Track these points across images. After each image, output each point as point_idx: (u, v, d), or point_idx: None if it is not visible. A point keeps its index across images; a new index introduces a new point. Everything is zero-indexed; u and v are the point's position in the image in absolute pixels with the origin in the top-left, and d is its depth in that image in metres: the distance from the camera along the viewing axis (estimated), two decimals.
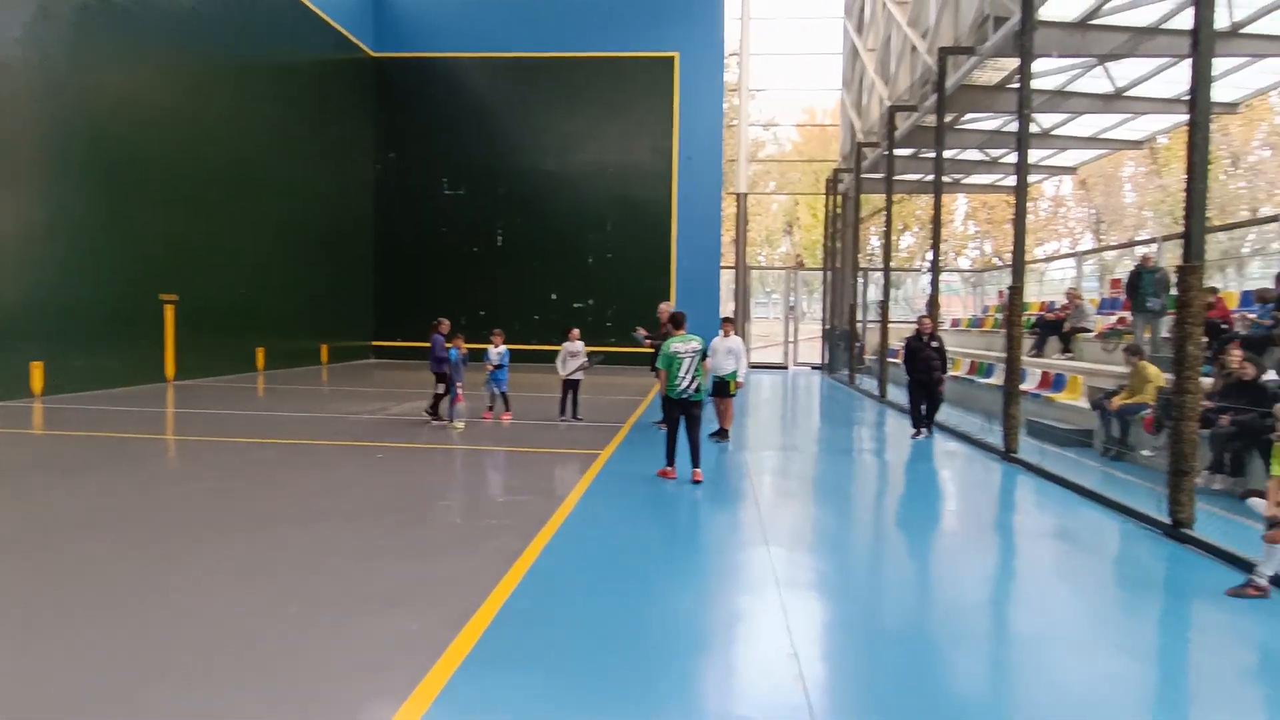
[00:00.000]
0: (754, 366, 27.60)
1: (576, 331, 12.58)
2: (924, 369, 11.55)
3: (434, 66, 27.33)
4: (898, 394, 16.84)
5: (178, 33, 17.56)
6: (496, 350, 12.20)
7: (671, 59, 26.40)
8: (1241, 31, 13.13)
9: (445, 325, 12.14)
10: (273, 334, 21.46)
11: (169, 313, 17.37)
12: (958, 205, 42.72)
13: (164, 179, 17.07)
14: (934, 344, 11.65)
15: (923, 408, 11.93)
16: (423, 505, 7.10)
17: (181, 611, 4.40)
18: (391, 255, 27.66)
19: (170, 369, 17.47)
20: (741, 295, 27.15)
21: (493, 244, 27.35)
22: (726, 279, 28.00)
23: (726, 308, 27.68)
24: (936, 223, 14.22)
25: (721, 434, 10.99)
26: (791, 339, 28.74)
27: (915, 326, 12.02)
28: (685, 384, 8.13)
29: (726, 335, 10.63)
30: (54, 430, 10.99)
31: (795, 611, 4.68)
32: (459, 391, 11.57)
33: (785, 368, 28.41)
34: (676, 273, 26.54)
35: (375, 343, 27.82)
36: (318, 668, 3.75)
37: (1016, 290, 10.17)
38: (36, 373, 14.01)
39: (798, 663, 3.95)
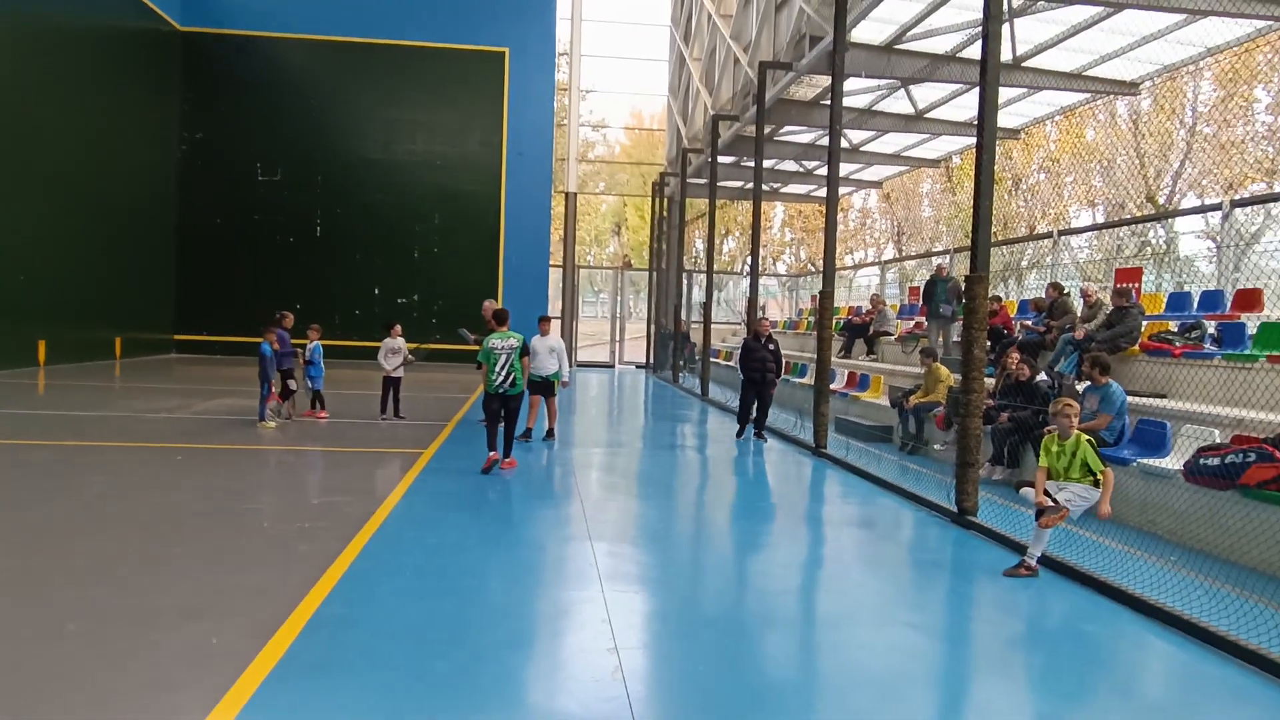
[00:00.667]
0: (581, 365, 27.93)
1: (398, 327, 12.20)
2: (758, 369, 11.70)
3: (250, 45, 25.54)
4: (719, 393, 17.56)
5: None
6: (310, 345, 11.68)
7: (502, 54, 26.09)
8: (1023, 65, 14.67)
9: (289, 319, 11.75)
10: (56, 324, 19.25)
11: None
12: (776, 213, 44.96)
13: None
14: (770, 346, 11.84)
15: (753, 409, 11.90)
16: (228, 509, 6.65)
17: None
18: (197, 242, 25.58)
19: None
20: (570, 294, 27.27)
21: (311, 234, 25.96)
22: (555, 277, 28.04)
23: (555, 306, 27.71)
24: (756, 229, 14.94)
25: (549, 433, 11.01)
26: (618, 338, 29.20)
27: (753, 328, 12.37)
28: (501, 379, 8.38)
29: (545, 334, 10.59)
30: None
31: (616, 604, 4.79)
32: (271, 389, 10.95)
33: (612, 366, 28.83)
34: (504, 269, 26.27)
35: (178, 336, 25.63)
36: (101, 691, 3.43)
37: (827, 295, 10.87)
38: None
39: (618, 655, 4.05)
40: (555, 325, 11.32)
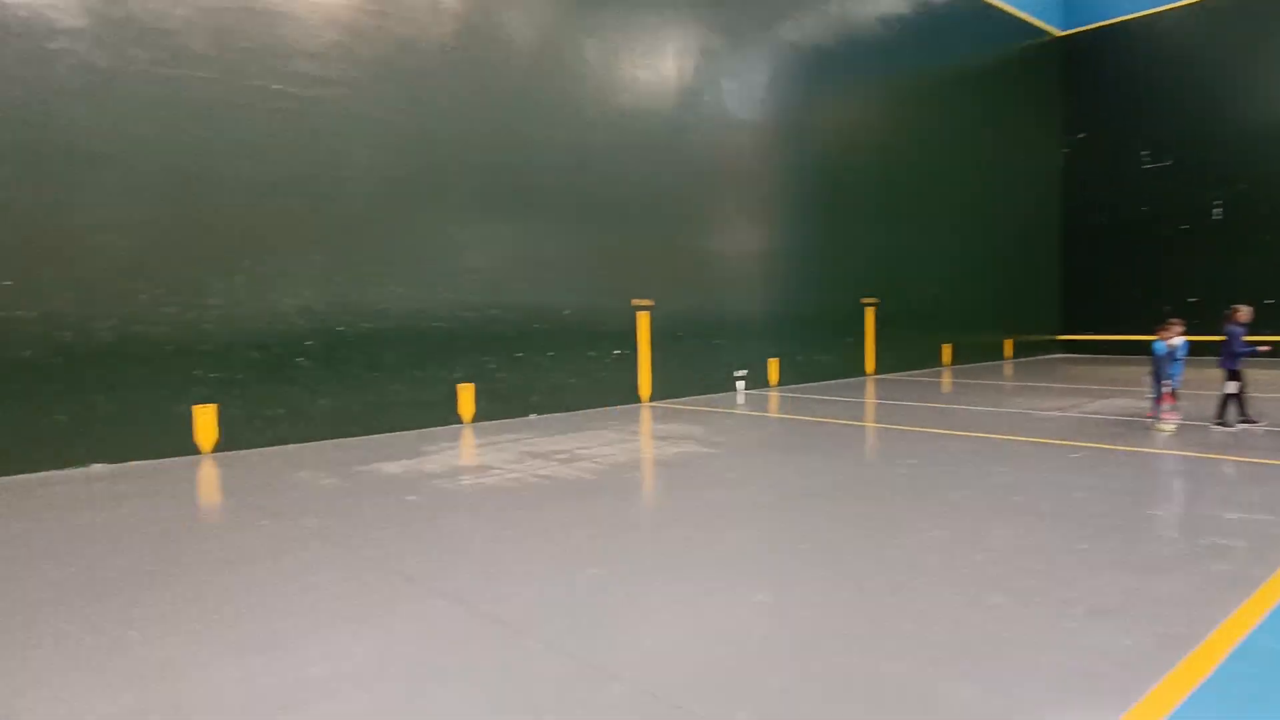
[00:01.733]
0: None
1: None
2: None
3: (1128, 31, 24.62)
4: None
5: (879, 63, 19.50)
6: (1171, 342, 10.60)
7: None
8: None
9: (1244, 313, 10.78)
10: (958, 330, 22.17)
11: (869, 315, 19.43)
12: None
13: (866, 197, 19.16)
14: None
15: None
16: (1128, 512, 6.61)
17: (897, 584, 4.99)
18: (1079, 242, 25.88)
19: (870, 364, 19.53)
20: None
21: (1206, 219, 23.37)
22: None
23: None
24: None
25: None
26: None
27: None
28: None
29: None
30: (785, 415, 13.34)
31: None
32: (1167, 390, 10.35)
33: None
34: None
35: (1061, 336, 26.38)
36: (1023, 661, 3.87)
37: None
38: (773, 366, 17.22)
39: None
40: None
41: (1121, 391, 14.55)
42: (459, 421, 12.43)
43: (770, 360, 17.26)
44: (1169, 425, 10.27)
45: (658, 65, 15.07)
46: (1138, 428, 10.66)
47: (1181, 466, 8.63)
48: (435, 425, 12.13)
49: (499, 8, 12.81)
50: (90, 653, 4.11)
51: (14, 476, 8.77)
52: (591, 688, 3.61)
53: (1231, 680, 3.62)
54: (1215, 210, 23.20)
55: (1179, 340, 10.65)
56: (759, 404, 14.67)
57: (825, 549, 5.71)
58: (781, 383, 17.44)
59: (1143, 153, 24.49)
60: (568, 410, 13.69)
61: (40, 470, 8.97)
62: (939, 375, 19.69)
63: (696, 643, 4.12)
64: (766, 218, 17.23)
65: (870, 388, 17.15)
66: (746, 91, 16.61)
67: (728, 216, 16.48)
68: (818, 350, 18.26)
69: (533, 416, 13.18)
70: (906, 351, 20.61)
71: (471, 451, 10.14)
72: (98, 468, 9.26)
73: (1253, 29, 22.39)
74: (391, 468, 9.02)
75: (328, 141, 11.04)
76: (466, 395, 12.50)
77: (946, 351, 21.92)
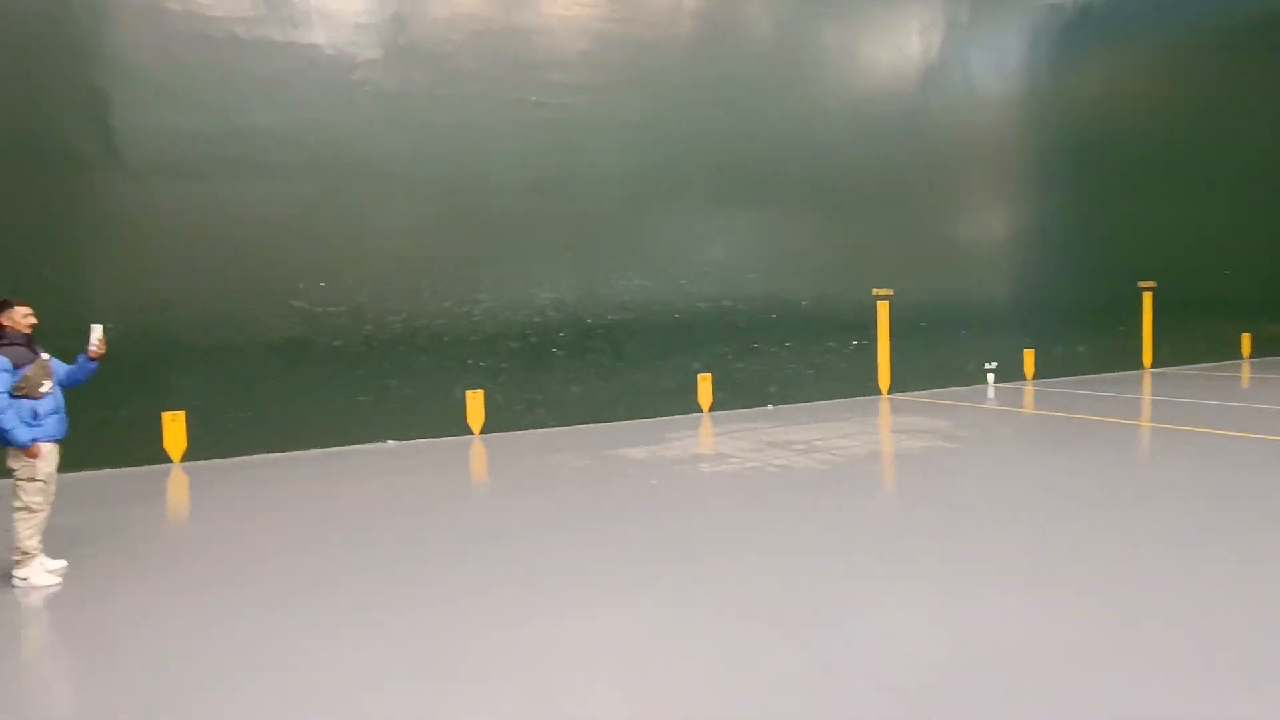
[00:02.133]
0: None
1: None
2: None
3: None
4: None
5: (1152, 16, 17.36)
6: None
7: None
8: None
9: None
10: (1262, 317, 19.25)
11: (1146, 300, 17.43)
12: None
13: (1138, 169, 17.15)
14: None
15: None
16: None
17: (1169, 607, 4.53)
18: None
19: (1146, 356, 17.53)
20: None
21: None
22: None
23: None
24: None
25: None
26: None
27: None
28: None
29: None
30: (1040, 410, 12.37)
31: None
32: None
33: None
34: None
35: None
36: None
37: None
38: (1028, 358, 16.01)
39: None
40: None
41: None
42: (698, 410, 12.80)
43: (1025, 352, 16.03)
44: None
45: (900, 44, 14.49)
46: None
47: None
48: (676, 413, 12.58)
49: (738, 3, 12.97)
50: (375, 611, 4.80)
51: (328, 449, 10.28)
52: (827, 681, 3.62)
53: None
54: None
55: None
56: (1011, 398, 13.72)
57: (1087, 557, 5.30)
58: (1038, 376, 16.14)
59: None
60: (805, 401, 13.62)
61: (346, 444, 10.44)
62: (1236, 369, 17.24)
63: (939, 646, 3.99)
64: (1019, 197, 16.00)
65: (1146, 382, 15.40)
66: (997, 62, 15.51)
67: (975, 198, 15.51)
68: (1080, 340, 16.67)
69: (770, 407, 13.26)
70: (1193, 342, 18.22)
71: (710, 440, 10.44)
72: (391, 443, 10.62)
73: None
74: (637, 452, 9.52)
75: (578, 145, 11.80)
76: (705, 385, 12.84)
77: (1245, 342, 19.13)
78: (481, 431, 11.24)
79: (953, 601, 4.53)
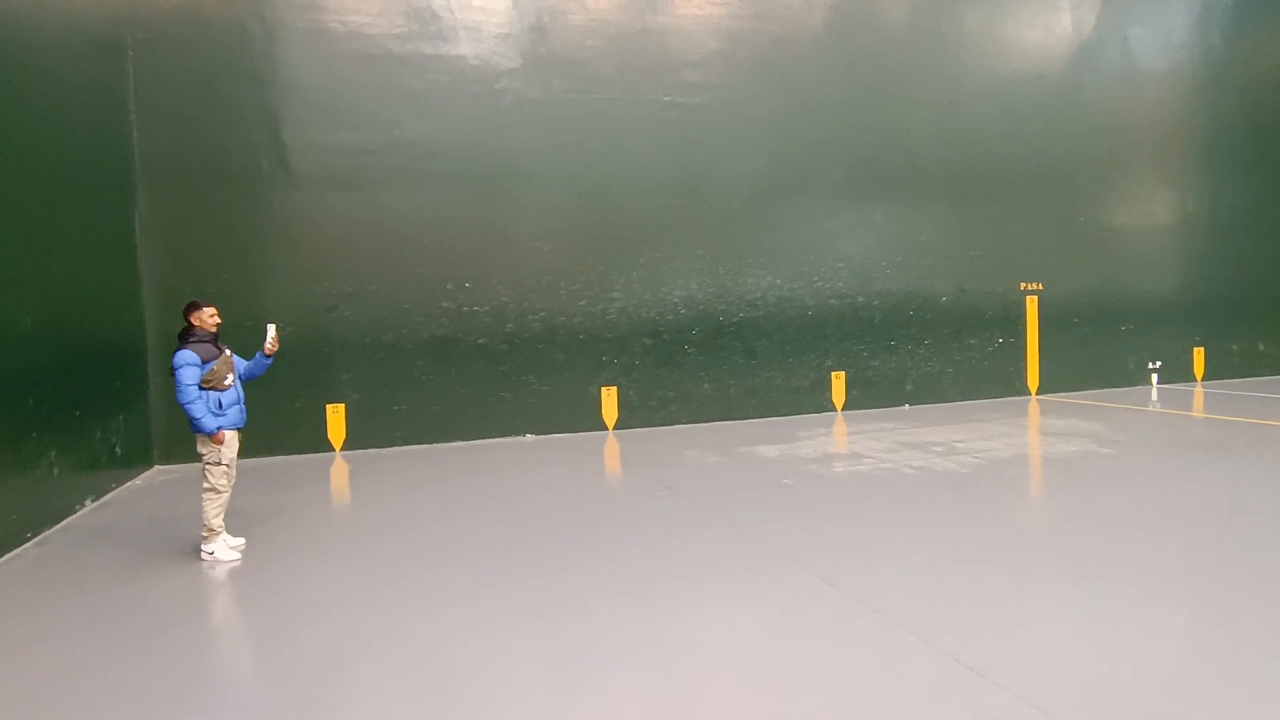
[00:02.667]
0: None
1: None
2: None
3: None
4: None
5: None
6: None
7: None
8: None
9: None
10: None
11: None
12: None
13: None
14: None
15: None
16: None
17: None
18: None
19: None
20: None
21: None
22: None
23: None
24: None
25: None
26: None
27: None
28: None
29: None
30: (1211, 414, 11.43)
31: None
32: None
33: None
34: None
35: None
36: None
37: None
38: (1198, 358, 14.80)
39: None
40: None
41: None
42: (832, 409, 12.61)
43: (1194, 350, 14.82)
44: None
45: (1050, 22, 13.71)
46: None
47: None
48: (809, 412, 12.45)
49: None
50: (509, 591, 5.06)
51: (471, 441, 10.84)
52: (967, 690, 3.53)
53: None
54: None
55: None
56: (1178, 401, 12.73)
57: (1255, 576, 4.91)
58: (1209, 377, 14.89)
59: None
60: (945, 401, 13.15)
61: (489, 437, 10.96)
62: None
63: (1087, 659, 3.82)
64: (1188, 182, 14.78)
65: None
66: (1160, 37, 14.39)
67: (1136, 185, 14.46)
68: (1260, 338, 15.23)
69: (907, 406, 12.89)
70: None
71: (844, 439, 10.28)
72: (530, 437, 11.06)
73: None
74: (769, 450, 9.51)
75: (708, 143, 11.87)
76: (839, 383, 12.63)
77: None
78: (615, 427, 11.52)
79: (1103, 616, 4.31)
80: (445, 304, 10.80)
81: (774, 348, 12.28)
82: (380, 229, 10.54)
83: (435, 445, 10.65)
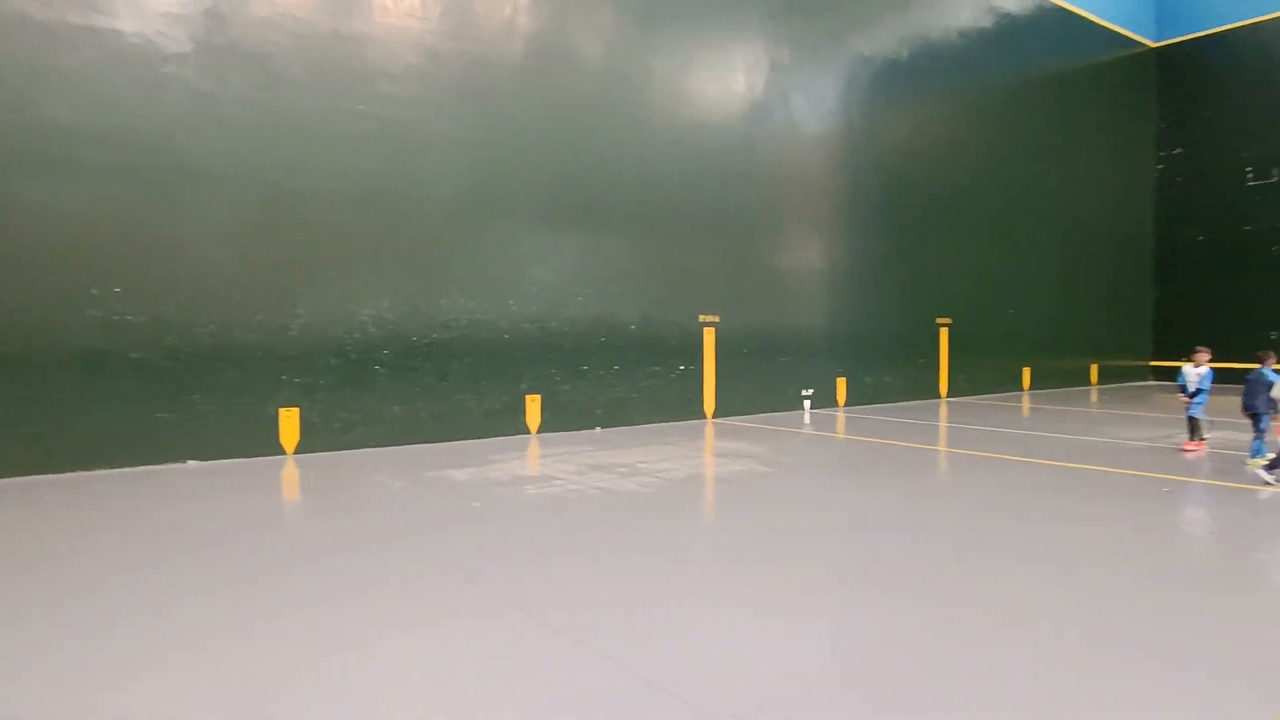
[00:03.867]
0: None
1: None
2: None
3: (1227, 41, 23.59)
4: None
5: (957, 76, 19.21)
6: (1197, 371, 10.87)
7: None
8: None
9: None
10: (1040, 353, 21.53)
11: (943, 335, 19.07)
12: None
13: (942, 213, 18.85)
14: None
15: None
16: (1235, 557, 6.39)
17: (954, 617, 4.98)
18: (1176, 263, 24.83)
19: (943, 387, 19.14)
20: None
21: None
22: None
23: None
24: None
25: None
26: None
27: None
28: None
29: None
30: (851, 436, 13.23)
31: None
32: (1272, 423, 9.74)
33: None
34: None
35: (1154, 362, 25.30)
36: (1081, 705, 3.85)
37: None
38: (841, 386, 17.06)
39: None
40: None
41: (1222, 424, 13.89)
42: (526, 432, 12.76)
43: (838, 379, 17.11)
44: (1257, 460, 9.70)
45: (726, 80, 15.23)
46: (1233, 463, 10.22)
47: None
48: (504, 434, 12.48)
49: (569, 26, 13.20)
50: (166, 640, 4.47)
51: (121, 469, 9.44)
52: (645, 701, 3.68)
53: None
54: None
55: (1201, 369, 11.24)
56: (825, 424, 14.58)
57: (887, 575, 5.72)
58: (849, 403, 17.27)
59: (1246, 169, 23.37)
60: (632, 424, 13.90)
61: (145, 464, 9.63)
62: (1018, 400, 19.16)
63: (752, 662, 4.14)
64: (836, 234, 17.14)
65: (943, 411, 16.82)
66: (816, 104, 16.62)
67: (796, 232, 16.48)
68: (887, 371, 17.99)
69: (598, 430, 13.43)
70: (982, 375, 20.12)
71: (536, 461, 10.43)
72: (193, 464, 9.89)
73: None
74: (459, 474, 9.36)
75: (405, 159, 11.56)
76: (533, 406, 12.83)
77: (1026, 375, 21.31)
78: (296, 451, 10.69)
79: (767, 620, 4.75)
80: (92, 312, 9.36)
81: (467, 370, 12.18)
82: (4, 221, 8.89)
83: (77, 474, 9.13)
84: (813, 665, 4.12)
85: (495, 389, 12.45)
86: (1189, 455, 10.83)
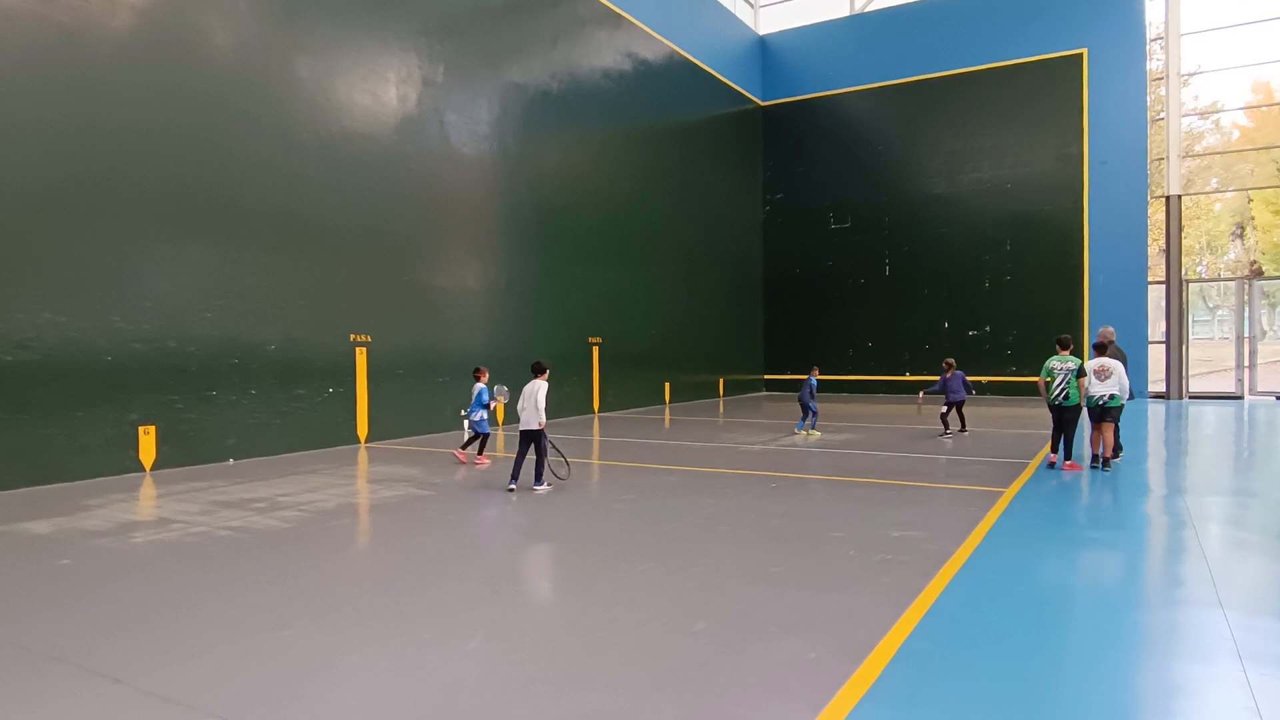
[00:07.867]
0: (1195, 396, 23.64)
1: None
2: None
3: (818, 106, 27.98)
4: None
5: (603, 112, 20.34)
6: (477, 387, 11.86)
7: (1080, 56, 23.88)
8: None
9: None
10: (678, 369, 23.49)
11: (595, 353, 19.95)
12: None
13: (591, 239, 19.76)
14: None
15: None
16: (814, 535, 7.24)
17: (609, 618, 5.03)
18: (778, 292, 28.71)
19: (595, 402, 20.00)
20: (1176, 313, 23.35)
21: (879, 274, 26.98)
22: (1157, 295, 24.30)
23: (1158, 327, 24.06)
24: None
25: (1102, 462, 10.49)
26: (1247, 363, 23.90)
27: None
28: (1057, 394, 10.58)
29: (1098, 355, 10.62)
30: (511, 453, 13.17)
31: (1263, 690, 3.92)
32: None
33: (1239, 397, 23.69)
34: (1090, 291, 23.70)
35: (767, 375, 28.94)
36: (723, 682, 4.03)
37: None
38: (500, 409, 16.99)
39: None
40: (1113, 350, 10.91)
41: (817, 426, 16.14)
42: (139, 469, 10.87)
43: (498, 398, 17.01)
44: (801, 433, 11.54)
45: (378, 91, 14.53)
46: (828, 457, 11.83)
47: (863, 492, 9.68)
48: (105, 474, 10.50)
49: (191, 6, 11.65)
50: None
51: None
52: None
53: (892, 681, 4.01)
54: (886, 266, 26.89)
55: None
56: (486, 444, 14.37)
57: (540, 590, 5.62)
58: (506, 422, 17.29)
59: (829, 214, 27.80)
60: (273, 454, 12.52)
61: None
62: (660, 412, 20.66)
63: (404, 698, 3.81)
64: (491, 254, 17.15)
65: (596, 425, 17.54)
66: (470, 126, 16.53)
67: (453, 252, 16.19)
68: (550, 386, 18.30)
69: (231, 461, 11.88)
70: (631, 389, 21.43)
71: (150, 504, 8.87)
72: None
73: (912, 113, 26.40)
74: (40, 527, 7.62)
75: None
76: (147, 439, 10.97)
77: (667, 389, 23.11)
78: None
79: (424, 651, 4.35)
80: None
81: (55, 399, 10.05)
82: None
83: None
84: (468, 690, 3.86)
85: (94, 421, 10.42)
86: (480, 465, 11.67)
